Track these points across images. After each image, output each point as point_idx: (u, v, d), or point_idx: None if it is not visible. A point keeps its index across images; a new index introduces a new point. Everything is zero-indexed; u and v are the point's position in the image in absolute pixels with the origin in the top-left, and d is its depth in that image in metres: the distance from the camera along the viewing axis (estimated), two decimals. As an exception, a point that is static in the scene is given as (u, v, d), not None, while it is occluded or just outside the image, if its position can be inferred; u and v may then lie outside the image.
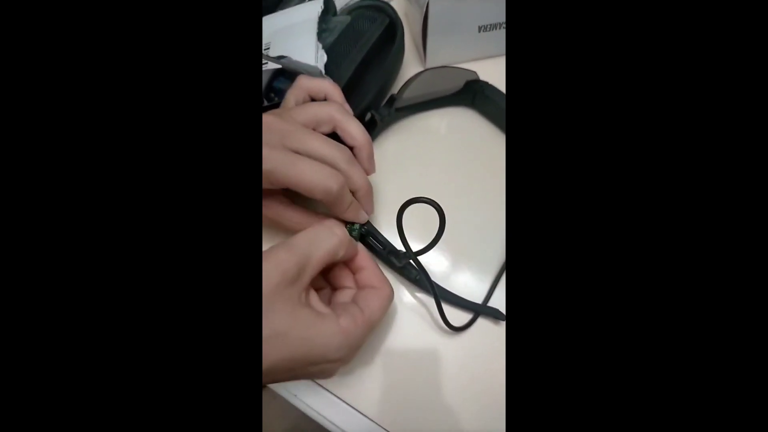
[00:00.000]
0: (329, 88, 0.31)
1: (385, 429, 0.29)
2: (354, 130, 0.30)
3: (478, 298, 0.32)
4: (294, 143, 0.27)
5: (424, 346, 0.31)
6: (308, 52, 0.35)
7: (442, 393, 0.30)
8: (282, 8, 0.41)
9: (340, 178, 0.27)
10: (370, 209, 0.31)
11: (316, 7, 0.38)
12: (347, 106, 0.32)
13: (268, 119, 0.28)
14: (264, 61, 0.35)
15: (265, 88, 0.37)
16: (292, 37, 0.37)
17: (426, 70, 0.36)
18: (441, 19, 0.38)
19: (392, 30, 0.38)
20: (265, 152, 0.25)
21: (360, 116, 0.36)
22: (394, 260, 0.31)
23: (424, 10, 0.37)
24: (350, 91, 0.37)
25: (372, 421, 0.29)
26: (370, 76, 0.38)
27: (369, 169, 0.31)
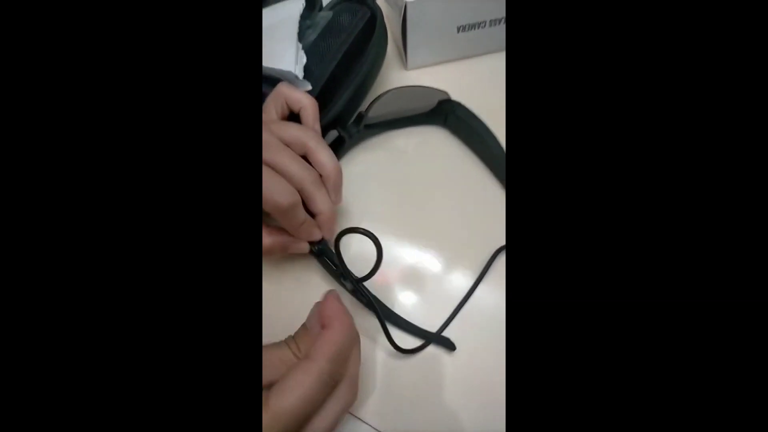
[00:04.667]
0: (305, 101, 0.31)
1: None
2: (324, 158, 0.30)
3: (438, 323, 0.31)
4: (265, 154, 0.27)
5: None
6: (288, 54, 0.35)
7: (442, 399, 0.29)
8: (264, 5, 0.41)
9: (293, 196, 0.27)
10: (328, 234, 0.31)
11: (297, 6, 0.37)
12: (318, 125, 0.32)
13: None
14: None
15: None
16: (272, 38, 0.36)
17: (395, 88, 0.35)
18: (419, 20, 0.38)
19: (372, 22, 0.37)
20: None
21: (339, 115, 0.36)
22: (345, 283, 0.30)
23: (402, 11, 0.37)
24: (330, 88, 0.36)
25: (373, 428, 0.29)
26: (351, 71, 0.37)
27: (335, 199, 0.31)
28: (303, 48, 0.37)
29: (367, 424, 0.29)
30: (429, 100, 0.37)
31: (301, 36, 0.37)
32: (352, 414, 0.29)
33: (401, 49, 0.42)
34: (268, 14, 0.39)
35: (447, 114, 0.37)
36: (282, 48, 0.35)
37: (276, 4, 0.39)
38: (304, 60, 0.35)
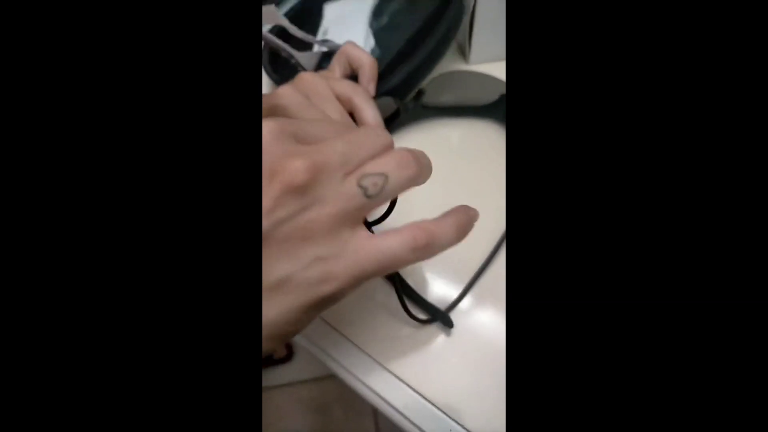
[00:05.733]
0: (365, 59, 0.32)
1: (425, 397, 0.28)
2: (368, 116, 0.30)
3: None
4: (316, 101, 0.28)
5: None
6: (357, 35, 0.37)
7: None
8: None
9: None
10: None
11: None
12: (372, 85, 0.33)
13: (307, 75, 0.30)
14: (314, 45, 0.38)
15: (314, 69, 0.40)
16: (347, 23, 0.40)
17: (458, 70, 0.36)
18: (488, 11, 0.39)
19: (448, 2, 0.39)
20: (287, 90, 0.27)
21: (397, 88, 0.36)
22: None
23: (473, 3, 0.38)
24: (397, 61, 0.37)
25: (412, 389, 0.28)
26: (419, 48, 0.37)
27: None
28: (377, 28, 0.39)
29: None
30: (490, 92, 0.37)
31: (375, 19, 0.39)
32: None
33: (464, 44, 0.43)
34: (343, 4, 0.42)
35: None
36: (352, 32, 0.38)
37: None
38: (372, 43, 0.38)
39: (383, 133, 0.22)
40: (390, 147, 0.21)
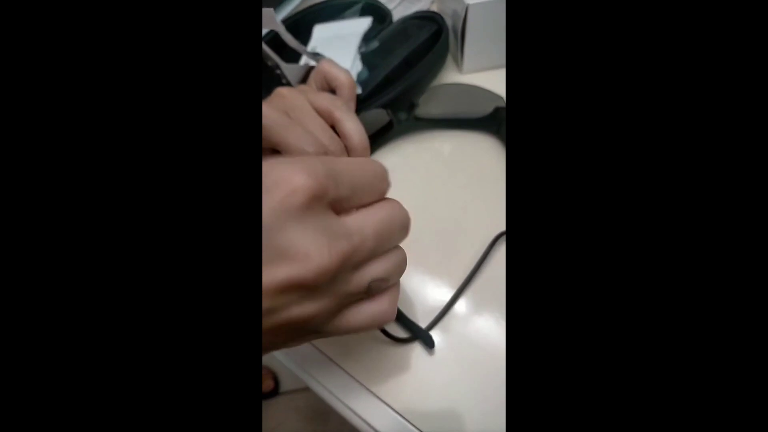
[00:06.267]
0: (343, 78, 0.31)
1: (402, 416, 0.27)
2: (350, 129, 0.29)
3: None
4: (296, 116, 0.28)
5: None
6: (345, 61, 0.38)
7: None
8: (338, 19, 0.44)
9: (319, 148, 0.27)
10: None
11: (363, 24, 0.41)
12: (352, 104, 0.32)
13: (284, 90, 0.29)
14: (302, 57, 0.38)
15: (300, 82, 0.39)
16: (335, 46, 0.40)
17: (453, 83, 0.35)
18: (479, 22, 0.38)
19: (438, 35, 0.39)
20: (267, 110, 0.26)
21: (387, 105, 0.37)
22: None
23: (463, 13, 0.37)
24: (386, 84, 0.37)
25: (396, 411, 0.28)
26: (408, 72, 0.38)
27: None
28: (366, 51, 0.39)
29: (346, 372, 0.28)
30: (485, 105, 0.36)
31: (364, 43, 0.40)
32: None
33: (456, 54, 0.42)
34: (335, 26, 0.42)
35: (500, 122, 0.36)
36: (341, 55, 0.38)
37: (344, 20, 0.43)
38: (359, 68, 0.38)
39: (405, 212, 0.21)
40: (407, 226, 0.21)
